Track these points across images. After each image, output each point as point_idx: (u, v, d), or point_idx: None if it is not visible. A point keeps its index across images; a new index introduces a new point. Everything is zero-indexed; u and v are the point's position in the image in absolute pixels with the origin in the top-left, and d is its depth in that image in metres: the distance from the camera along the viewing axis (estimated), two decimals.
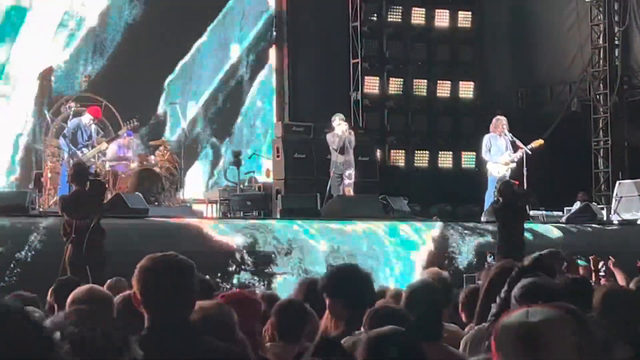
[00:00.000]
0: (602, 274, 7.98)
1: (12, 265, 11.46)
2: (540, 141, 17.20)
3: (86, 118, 15.52)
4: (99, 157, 15.98)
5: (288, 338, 5.28)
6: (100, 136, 16.04)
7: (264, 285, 13.45)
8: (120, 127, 16.82)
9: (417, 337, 4.12)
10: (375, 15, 21.59)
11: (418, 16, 22.01)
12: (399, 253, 14.96)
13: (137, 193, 14.84)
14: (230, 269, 13.46)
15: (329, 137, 17.08)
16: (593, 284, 7.91)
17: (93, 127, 15.43)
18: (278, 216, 15.89)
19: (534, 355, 2.45)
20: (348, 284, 5.10)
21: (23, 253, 11.99)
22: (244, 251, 13.72)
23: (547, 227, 16.41)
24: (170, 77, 20.24)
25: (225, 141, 20.79)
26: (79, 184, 11.56)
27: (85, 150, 15.09)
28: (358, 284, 5.13)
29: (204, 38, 20.72)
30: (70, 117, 15.57)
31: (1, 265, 11.60)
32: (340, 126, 16.93)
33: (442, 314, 5.23)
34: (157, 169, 16.08)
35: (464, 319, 5.96)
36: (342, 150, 16.83)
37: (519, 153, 16.86)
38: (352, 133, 17.18)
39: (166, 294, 3.75)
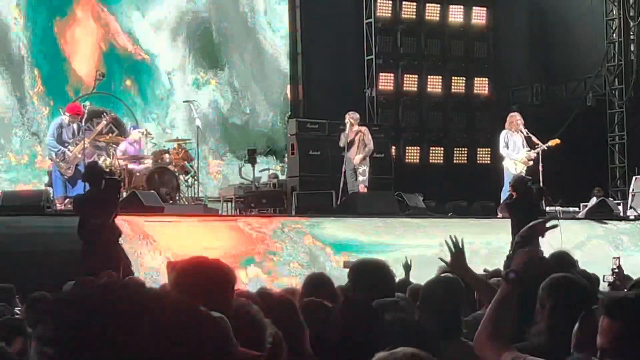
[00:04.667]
0: (616, 270, 7.95)
1: (27, 265, 11.47)
2: (557, 140, 17.14)
3: (65, 117, 15.58)
4: (114, 155, 16.00)
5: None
6: (83, 132, 15.98)
7: None
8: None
9: (435, 335, 4.12)
10: (389, 11, 21.55)
11: (432, 12, 21.98)
12: None
13: (152, 191, 14.86)
14: None
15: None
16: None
17: (75, 124, 15.50)
18: (293, 213, 15.89)
19: None
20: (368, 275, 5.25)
21: (39, 253, 12.00)
22: None
23: None
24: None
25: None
26: (94, 183, 11.59)
27: (71, 148, 15.21)
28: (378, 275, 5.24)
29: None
30: (85, 115, 15.63)
31: (17, 264, 11.62)
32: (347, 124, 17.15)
33: (461, 310, 5.21)
34: (171, 167, 16.09)
35: None
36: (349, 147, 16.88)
37: (537, 150, 16.82)
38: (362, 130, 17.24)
39: (197, 296, 3.71)
